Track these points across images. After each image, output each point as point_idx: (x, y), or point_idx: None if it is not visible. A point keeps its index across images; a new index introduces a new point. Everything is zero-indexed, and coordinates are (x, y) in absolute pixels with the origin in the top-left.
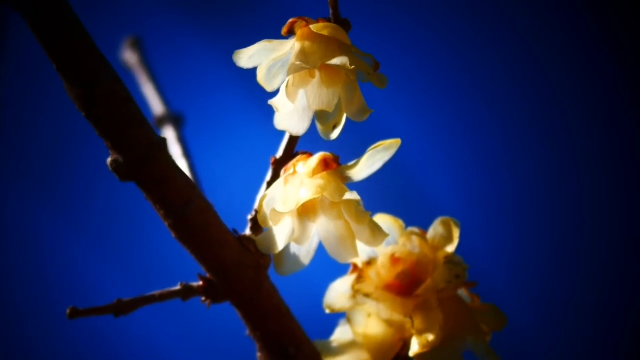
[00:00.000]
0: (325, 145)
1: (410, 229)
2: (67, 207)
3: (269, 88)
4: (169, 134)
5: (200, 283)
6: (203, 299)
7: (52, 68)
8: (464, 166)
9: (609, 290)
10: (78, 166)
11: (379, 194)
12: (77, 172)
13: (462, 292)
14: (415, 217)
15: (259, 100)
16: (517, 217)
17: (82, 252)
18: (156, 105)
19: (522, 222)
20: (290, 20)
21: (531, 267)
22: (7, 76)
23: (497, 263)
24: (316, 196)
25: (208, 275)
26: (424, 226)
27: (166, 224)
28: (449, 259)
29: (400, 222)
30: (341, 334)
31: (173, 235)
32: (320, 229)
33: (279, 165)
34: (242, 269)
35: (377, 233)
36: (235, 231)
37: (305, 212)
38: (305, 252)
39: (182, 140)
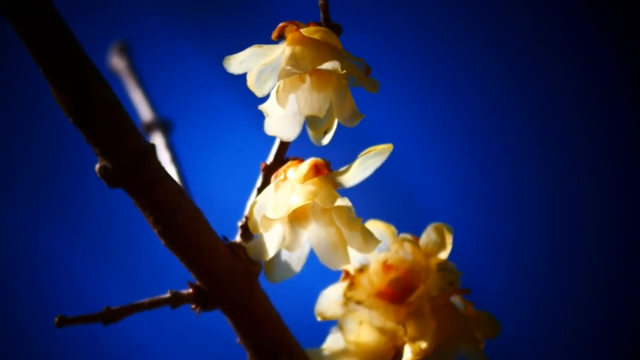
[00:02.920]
0: (316, 150)
1: (403, 235)
2: (58, 214)
3: (259, 93)
4: (158, 140)
5: (190, 290)
6: (193, 306)
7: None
8: (458, 171)
9: (608, 291)
10: (70, 172)
11: (370, 199)
12: (68, 178)
13: (456, 299)
14: (408, 223)
15: (248, 105)
16: (514, 221)
17: (74, 258)
18: (144, 111)
19: (520, 226)
20: (281, 24)
21: (528, 271)
22: (1, 79)
23: (494, 267)
24: (307, 202)
25: (198, 283)
26: (417, 232)
27: (155, 231)
28: (442, 265)
29: (393, 228)
30: (333, 342)
31: (162, 242)
32: (312, 235)
33: (270, 171)
34: (232, 276)
35: (369, 239)
36: (225, 238)
37: (296, 218)
38: (296, 259)
39: (171, 147)
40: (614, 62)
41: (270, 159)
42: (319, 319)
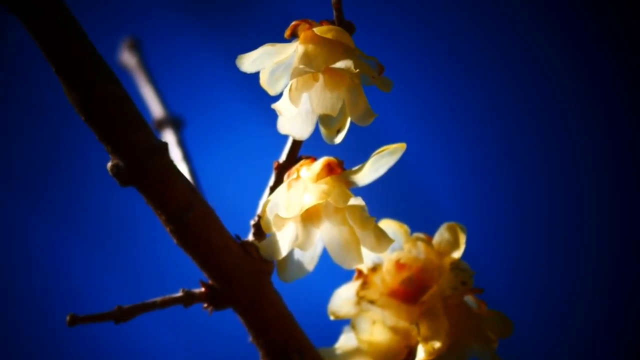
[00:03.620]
0: (329, 149)
1: (416, 234)
2: (66, 213)
3: (272, 92)
4: (169, 138)
5: (202, 289)
6: (205, 305)
7: (50, 70)
8: (470, 170)
9: (608, 292)
10: (76, 170)
11: (383, 199)
12: (75, 177)
13: (469, 299)
14: (421, 222)
15: (261, 103)
16: (521, 221)
17: (81, 258)
18: (156, 108)
19: (526, 226)
20: (293, 23)
21: (534, 271)
22: (4, 77)
23: (502, 268)
24: (320, 201)
25: (210, 282)
26: (430, 232)
27: (167, 229)
28: (455, 265)
29: (406, 227)
30: (345, 341)
31: (174, 241)
32: (324, 234)
33: (282, 169)
34: (244, 275)
35: (382, 239)
36: (237, 237)
37: (309, 217)
38: (309, 258)
39: (183, 144)
40: (614, 62)
41: (283, 157)
42: (331, 318)
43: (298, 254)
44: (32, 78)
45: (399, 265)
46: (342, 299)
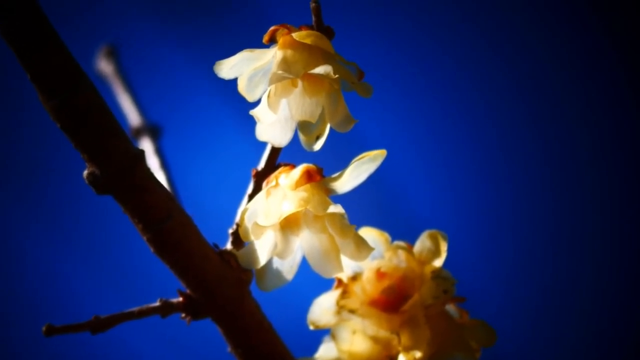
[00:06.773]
0: (308, 156)
1: (397, 242)
2: (48, 219)
3: (250, 98)
4: (147, 146)
5: (180, 299)
6: (183, 315)
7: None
8: (453, 177)
9: (607, 300)
10: (60, 177)
11: (364, 206)
12: (58, 183)
13: (450, 308)
14: (402, 230)
15: (239, 110)
16: (503, 228)
17: (65, 265)
18: (133, 116)
19: (508, 232)
20: (272, 28)
21: (516, 278)
22: None
23: (484, 276)
24: (299, 209)
25: (188, 291)
26: (411, 240)
27: (144, 238)
28: (437, 273)
29: (386, 235)
30: (326, 351)
31: (151, 249)
32: (304, 242)
33: (261, 177)
34: (223, 284)
35: (362, 247)
36: (215, 245)
37: (288, 225)
38: (288, 267)
39: (160, 152)
40: (614, 62)
41: (261, 164)
42: (311, 327)
43: (277, 263)
44: (27, 79)
45: (380, 274)
46: (322, 309)
